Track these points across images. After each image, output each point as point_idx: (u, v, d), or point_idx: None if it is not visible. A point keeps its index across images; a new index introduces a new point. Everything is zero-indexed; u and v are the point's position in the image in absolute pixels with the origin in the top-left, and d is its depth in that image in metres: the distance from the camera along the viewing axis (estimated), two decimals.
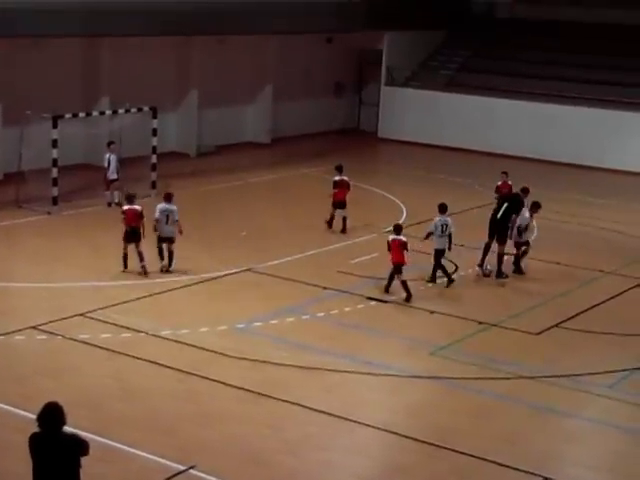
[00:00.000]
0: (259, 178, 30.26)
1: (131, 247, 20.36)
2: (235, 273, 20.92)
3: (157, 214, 20.49)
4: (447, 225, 20.84)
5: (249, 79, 36.40)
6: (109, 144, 26.26)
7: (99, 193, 26.18)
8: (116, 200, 25.56)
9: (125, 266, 20.37)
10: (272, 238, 23.81)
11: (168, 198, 20.77)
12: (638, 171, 33.71)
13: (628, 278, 21.92)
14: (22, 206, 25.37)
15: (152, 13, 29.67)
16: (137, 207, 20.59)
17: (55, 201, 25.09)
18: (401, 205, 27.74)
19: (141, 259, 20.29)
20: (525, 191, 22.53)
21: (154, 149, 27.68)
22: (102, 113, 28.02)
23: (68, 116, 25.95)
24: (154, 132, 27.67)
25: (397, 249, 19.58)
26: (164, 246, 20.59)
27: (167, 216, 20.47)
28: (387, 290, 19.86)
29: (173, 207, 20.60)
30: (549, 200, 29.36)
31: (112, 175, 25.75)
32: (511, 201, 21.90)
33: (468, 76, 39.29)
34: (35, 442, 9.60)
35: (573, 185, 31.90)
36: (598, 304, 20.09)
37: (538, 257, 23.11)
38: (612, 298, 20.54)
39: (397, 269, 19.61)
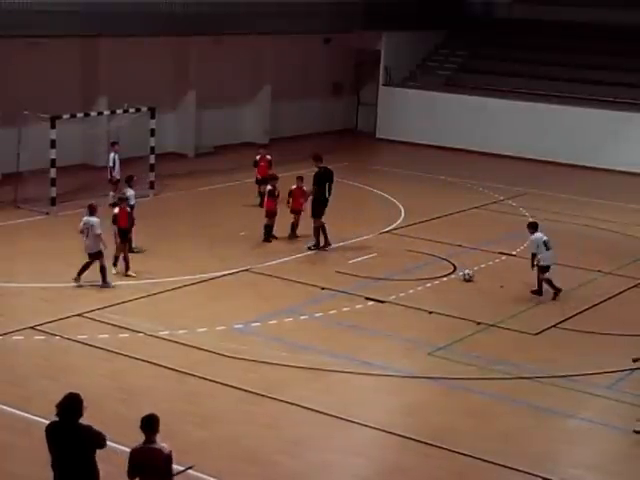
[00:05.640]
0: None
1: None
2: (233, 273, 20.92)
3: (80, 226, 19.55)
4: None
5: (247, 79, 36.39)
6: (113, 144, 26.18)
7: (97, 193, 26.11)
8: (111, 201, 25.51)
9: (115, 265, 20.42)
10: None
11: (92, 210, 19.59)
12: (635, 171, 33.71)
13: (626, 278, 21.90)
14: (20, 206, 25.35)
15: (150, 13, 29.70)
16: (128, 209, 20.66)
17: (53, 201, 25.05)
18: (399, 205, 27.72)
19: (127, 265, 20.34)
20: (321, 159, 23.56)
21: (152, 149, 27.68)
22: (100, 113, 28.00)
23: (66, 116, 25.93)
24: (152, 132, 27.68)
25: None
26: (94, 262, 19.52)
27: (88, 230, 19.30)
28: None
29: (94, 220, 19.39)
30: (548, 200, 29.45)
31: (117, 175, 25.72)
32: (329, 176, 23.23)
33: (466, 76, 39.29)
34: (52, 431, 9.79)
35: (571, 185, 31.88)
36: (596, 304, 20.08)
37: None
38: (610, 298, 20.54)
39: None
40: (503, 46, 39.76)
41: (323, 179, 23.19)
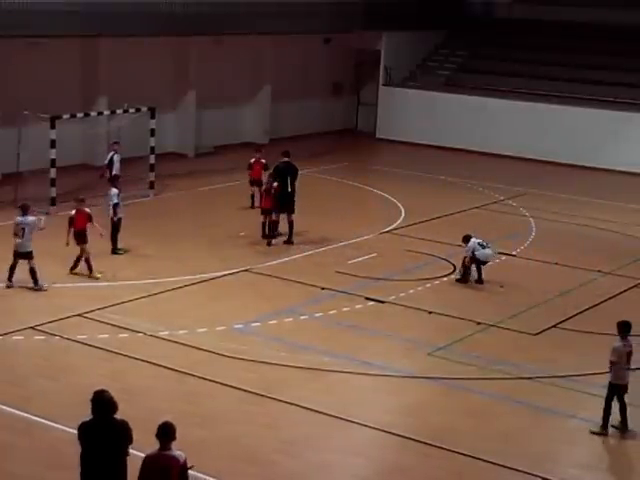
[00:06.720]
0: None
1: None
2: (233, 273, 20.92)
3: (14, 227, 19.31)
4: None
5: (247, 79, 36.39)
6: (114, 143, 26.17)
7: (98, 193, 26.12)
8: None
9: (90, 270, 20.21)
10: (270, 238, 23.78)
11: (24, 210, 19.47)
12: (635, 171, 33.72)
13: (626, 278, 21.91)
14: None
15: (150, 13, 29.71)
16: (87, 210, 20.46)
17: (53, 201, 25.05)
18: (399, 205, 27.73)
19: (89, 266, 20.22)
20: (288, 154, 23.68)
21: (152, 149, 27.67)
22: (100, 113, 28.01)
23: (66, 116, 25.93)
24: (152, 132, 27.67)
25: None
26: (20, 262, 19.23)
27: (23, 230, 19.08)
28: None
29: (30, 219, 19.28)
30: (548, 200, 29.45)
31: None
32: (292, 171, 23.27)
33: (466, 76, 39.31)
34: (87, 429, 9.82)
35: (571, 185, 31.89)
36: (596, 304, 20.08)
37: (536, 257, 23.13)
38: (610, 298, 20.54)
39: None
40: (503, 46, 39.77)
41: (283, 173, 23.20)
